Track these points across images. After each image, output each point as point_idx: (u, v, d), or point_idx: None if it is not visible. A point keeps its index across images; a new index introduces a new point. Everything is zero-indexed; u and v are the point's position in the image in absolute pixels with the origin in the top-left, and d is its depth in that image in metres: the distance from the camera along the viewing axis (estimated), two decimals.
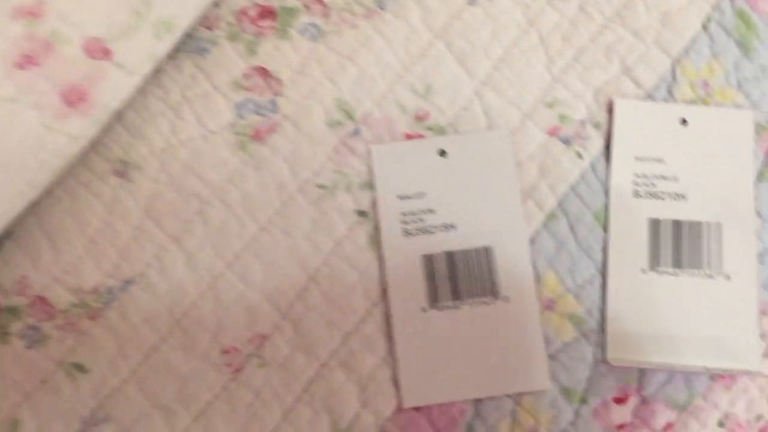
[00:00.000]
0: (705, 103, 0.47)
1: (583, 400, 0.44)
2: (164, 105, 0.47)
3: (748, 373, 0.43)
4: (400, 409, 0.44)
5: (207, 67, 0.48)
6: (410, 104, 0.47)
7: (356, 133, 0.47)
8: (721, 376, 0.44)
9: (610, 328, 0.44)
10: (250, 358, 0.44)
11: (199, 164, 0.46)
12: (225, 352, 0.44)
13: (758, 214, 0.46)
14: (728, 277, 0.45)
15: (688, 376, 0.44)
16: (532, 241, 0.46)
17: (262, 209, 0.46)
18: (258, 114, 0.47)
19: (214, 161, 0.46)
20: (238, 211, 0.46)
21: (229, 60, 0.48)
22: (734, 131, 0.47)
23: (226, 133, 0.47)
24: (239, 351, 0.44)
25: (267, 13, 0.48)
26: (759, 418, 0.44)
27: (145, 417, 0.43)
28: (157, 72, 0.47)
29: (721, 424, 0.44)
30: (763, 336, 0.45)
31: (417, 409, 0.44)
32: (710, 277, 0.45)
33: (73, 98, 0.40)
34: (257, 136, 0.47)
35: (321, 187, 0.46)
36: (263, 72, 0.47)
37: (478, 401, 0.44)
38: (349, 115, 0.47)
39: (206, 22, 0.48)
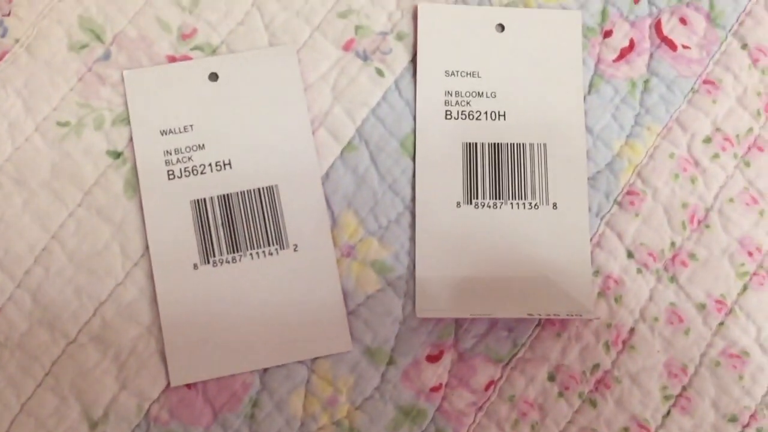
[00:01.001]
0: (525, 4, 0.40)
1: (391, 362, 0.37)
2: None
3: (581, 318, 0.36)
4: (169, 388, 0.36)
5: None
6: (173, 20, 0.39)
7: (106, 57, 0.38)
8: (551, 322, 0.38)
9: (420, 274, 0.37)
10: None
11: None
12: None
13: (589, 130, 0.40)
14: (555, 206, 0.38)
15: (512, 324, 0.38)
16: (326, 178, 0.38)
17: None
18: None
19: None
20: None
21: None
22: (560, 36, 0.40)
23: None
24: None
25: None
26: (595, 368, 0.37)
27: None
28: None
29: (551, 378, 0.37)
30: (596, 273, 0.38)
31: (190, 386, 0.36)
32: (535, 207, 0.38)
33: None
34: None
35: (63, 124, 0.38)
36: None
37: (264, 372, 0.36)
38: (97, 36, 0.39)
39: None
